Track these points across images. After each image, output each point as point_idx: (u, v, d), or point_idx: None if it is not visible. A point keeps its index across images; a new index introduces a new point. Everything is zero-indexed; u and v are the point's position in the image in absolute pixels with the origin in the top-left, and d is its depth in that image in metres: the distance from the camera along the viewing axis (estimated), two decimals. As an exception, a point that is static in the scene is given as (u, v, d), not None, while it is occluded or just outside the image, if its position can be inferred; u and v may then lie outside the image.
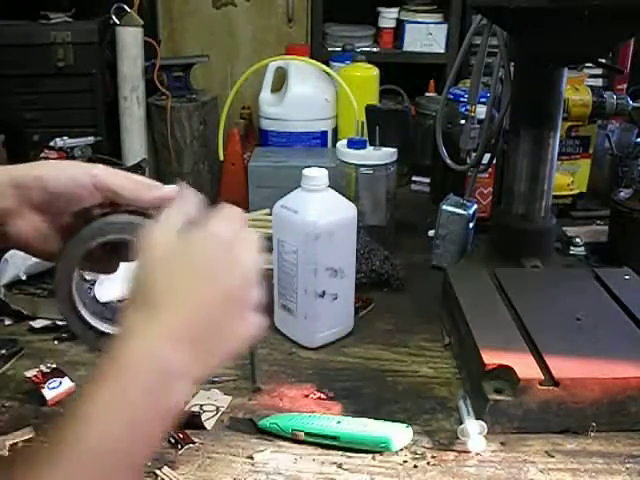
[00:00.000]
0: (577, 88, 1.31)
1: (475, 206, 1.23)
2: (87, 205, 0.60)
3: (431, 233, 1.26)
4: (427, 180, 1.59)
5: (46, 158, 1.39)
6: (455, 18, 2.00)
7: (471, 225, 1.22)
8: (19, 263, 1.07)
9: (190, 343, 0.50)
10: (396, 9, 2.06)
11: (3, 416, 0.81)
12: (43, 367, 0.86)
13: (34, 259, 1.06)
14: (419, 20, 2.03)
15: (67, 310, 0.61)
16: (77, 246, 0.59)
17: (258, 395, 0.86)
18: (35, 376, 0.84)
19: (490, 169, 1.30)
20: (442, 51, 2.04)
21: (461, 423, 0.77)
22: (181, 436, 0.76)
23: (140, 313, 0.50)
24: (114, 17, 1.42)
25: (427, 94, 1.75)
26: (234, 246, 0.55)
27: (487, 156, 1.24)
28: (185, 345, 0.50)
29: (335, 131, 1.62)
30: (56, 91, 1.50)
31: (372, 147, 1.23)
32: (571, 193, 1.43)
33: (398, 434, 0.76)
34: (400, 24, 2.06)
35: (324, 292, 0.95)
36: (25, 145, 1.48)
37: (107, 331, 0.62)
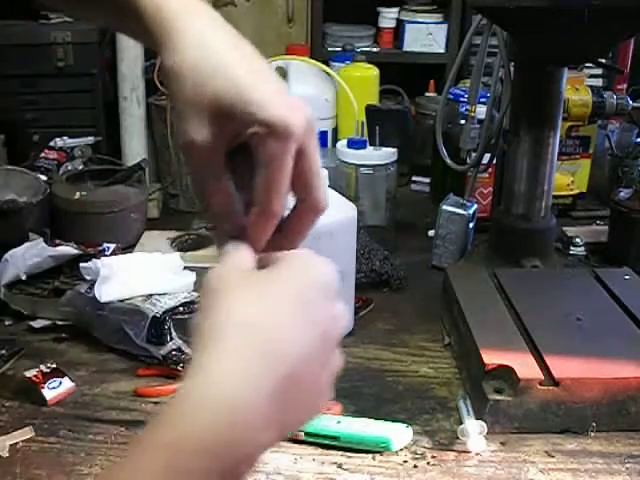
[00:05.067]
0: (577, 88, 1.31)
1: (475, 206, 1.23)
2: None
3: (431, 233, 1.25)
4: (427, 180, 1.59)
5: (46, 158, 1.39)
6: (455, 18, 2.01)
7: (471, 225, 1.22)
8: (19, 263, 1.06)
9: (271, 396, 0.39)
10: (396, 9, 2.07)
11: (3, 416, 0.81)
12: (43, 367, 0.86)
13: (34, 259, 1.06)
14: (419, 20, 2.04)
15: None
16: None
17: (258, 395, 0.86)
18: (35, 376, 0.84)
19: (490, 169, 1.29)
20: (442, 51, 2.04)
21: (461, 423, 0.77)
22: (181, 436, 0.76)
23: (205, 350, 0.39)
24: (114, 17, 1.42)
25: (427, 94, 1.75)
26: (335, 298, 0.44)
27: (487, 156, 1.24)
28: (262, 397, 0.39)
29: (335, 131, 1.62)
30: (56, 91, 1.50)
31: (372, 147, 1.23)
32: (571, 193, 1.43)
33: (398, 434, 0.76)
34: (400, 24, 2.07)
35: (324, 292, 0.94)
36: (25, 145, 1.48)
37: None
